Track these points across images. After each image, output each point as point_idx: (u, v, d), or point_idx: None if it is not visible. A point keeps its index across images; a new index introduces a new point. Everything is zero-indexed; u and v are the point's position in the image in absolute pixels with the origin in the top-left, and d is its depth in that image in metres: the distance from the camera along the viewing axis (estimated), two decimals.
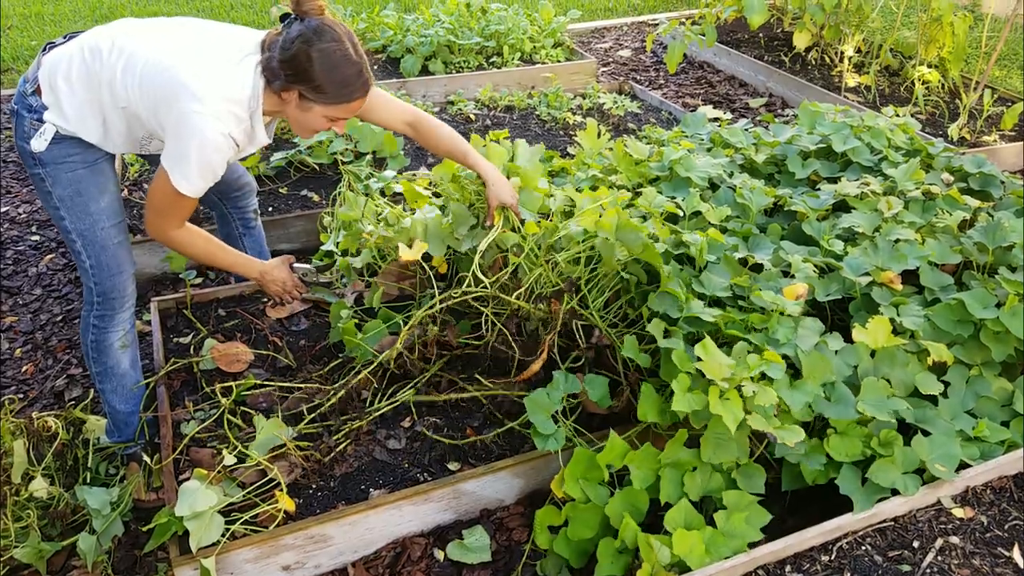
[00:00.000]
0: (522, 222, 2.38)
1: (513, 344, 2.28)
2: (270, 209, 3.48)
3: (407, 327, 2.23)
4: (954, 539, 1.89)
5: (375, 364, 2.27)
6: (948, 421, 2.08)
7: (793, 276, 2.33)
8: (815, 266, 2.36)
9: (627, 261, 2.28)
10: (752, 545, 1.87)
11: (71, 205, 2.09)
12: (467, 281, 2.24)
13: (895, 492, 1.94)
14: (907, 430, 2.05)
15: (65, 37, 2.08)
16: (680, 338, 2.11)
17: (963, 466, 2.02)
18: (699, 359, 1.97)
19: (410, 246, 2.34)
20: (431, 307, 2.22)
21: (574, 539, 1.97)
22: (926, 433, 2.03)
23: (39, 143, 2.01)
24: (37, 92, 2.01)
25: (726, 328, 2.13)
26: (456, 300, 2.25)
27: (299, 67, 1.92)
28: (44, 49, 2.06)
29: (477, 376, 2.36)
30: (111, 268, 2.18)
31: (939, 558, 1.84)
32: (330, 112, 2.02)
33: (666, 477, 1.97)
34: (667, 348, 2.06)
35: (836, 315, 2.43)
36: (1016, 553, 1.86)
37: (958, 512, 1.96)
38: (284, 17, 1.99)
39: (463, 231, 2.47)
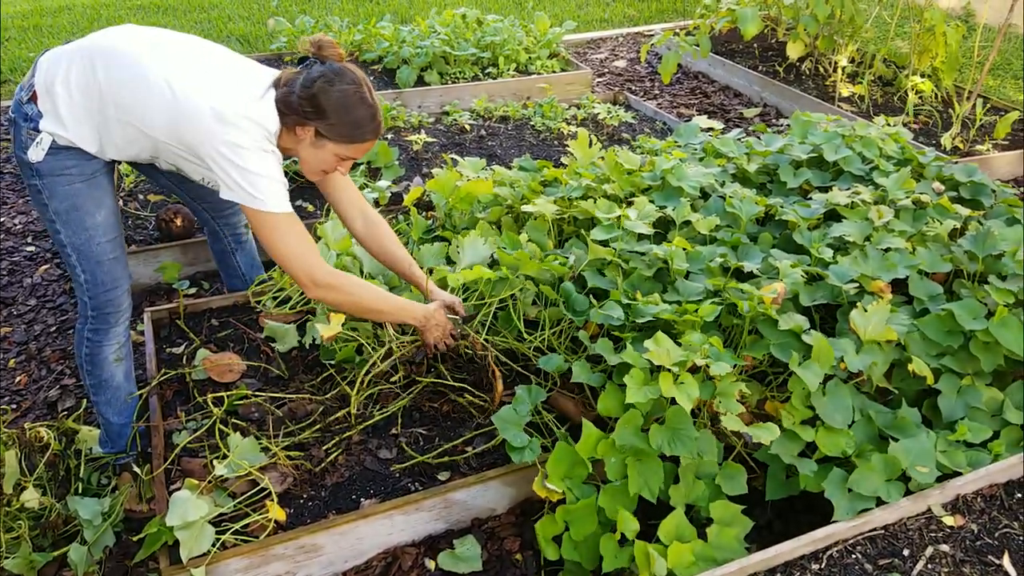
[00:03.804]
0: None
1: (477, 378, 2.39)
2: None
3: (355, 391, 2.29)
4: (944, 547, 1.89)
5: (363, 381, 2.28)
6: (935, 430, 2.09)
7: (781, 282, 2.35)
8: (804, 272, 2.37)
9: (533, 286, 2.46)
10: None
11: (67, 219, 2.08)
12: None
13: (880, 502, 1.95)
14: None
15: (64, 44, 2.08)
16: (629, 341, 2.15)
17: (953, 474, 2.03)
18: (648, 350, 2.00)
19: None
20: (367, 370, 2.33)
21: (578, 539, 1.97)
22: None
23: (36, 153, 2.00)
24: (33, 99, 2.00)
25: (680, 319, 2.16)
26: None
27: (319, 104, 1.97)
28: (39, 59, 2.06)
29: (467, 387, 2.38)
30: (106, 283, 2.18)
31: (929, 566, 1.84)
32: (342, 151, 2.06)
33: (632, 469, 1.97)
34: (621, 361, 2.08)
35: (828, 324, 2.43)
36: (1006, 561, 1.86)
37: (948, 520, 1.96)
38: (302, 60, 2.06)
39: None
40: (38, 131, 2.00)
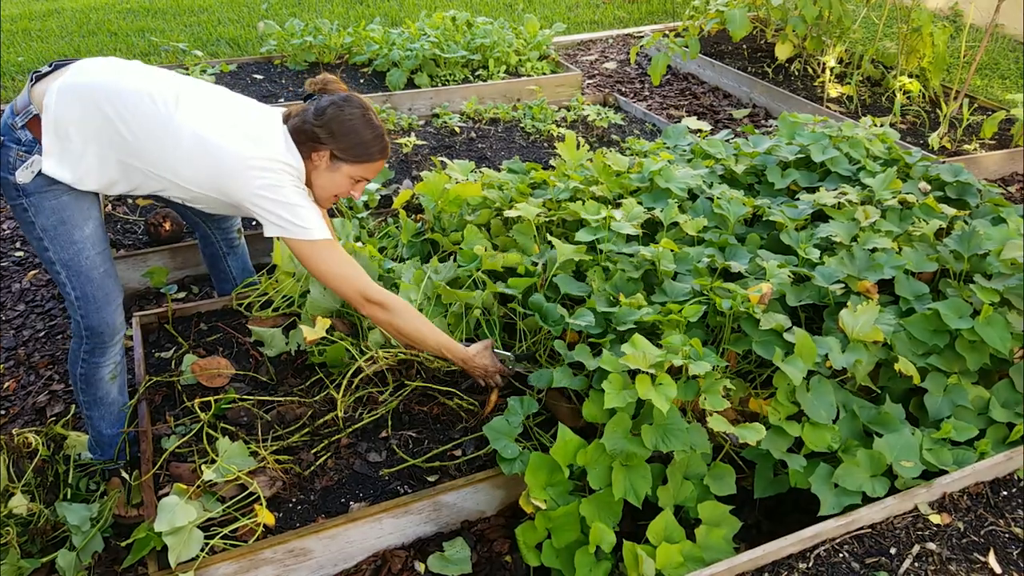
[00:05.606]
0: None
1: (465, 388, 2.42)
2: (254, 223, 3.48)
3: (341, 394, 2.30)
4: (931, 545, 1.90)
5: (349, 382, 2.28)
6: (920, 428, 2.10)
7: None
8: (790, 273, 2.38)
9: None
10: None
11: (55, 235, 2.05)
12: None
13: (866, 497, 1.96)
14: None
15: (51, 65, 2.02)
16: (609, 346, 2.16)
17: (940, 473, 2.04)
18: (624, 354, 2.00)
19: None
20: (354, 371, 2.35)
21: (560, 547, 1.98)
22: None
23: (25, 175, 1.96)
24: (28, 127, 1.96)
25: (665, 319, 2.16)
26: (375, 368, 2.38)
27: (331, 128, 2.10)
28: (31, 79, 2.00)
29: (456, 391, 2.38)
30: (98, 300, 2.14)
31: (916, 564, 1.85)
32: (356, 171, 2.17)
33: (618, 473, 1.97)
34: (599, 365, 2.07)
35: (815, 325, 2.44)
36: (992, 558, 1.87)
37: (935, 518, 1.97)
38: (308, 97, 2.22)
39: None
40: (30, 154, 1.96)
